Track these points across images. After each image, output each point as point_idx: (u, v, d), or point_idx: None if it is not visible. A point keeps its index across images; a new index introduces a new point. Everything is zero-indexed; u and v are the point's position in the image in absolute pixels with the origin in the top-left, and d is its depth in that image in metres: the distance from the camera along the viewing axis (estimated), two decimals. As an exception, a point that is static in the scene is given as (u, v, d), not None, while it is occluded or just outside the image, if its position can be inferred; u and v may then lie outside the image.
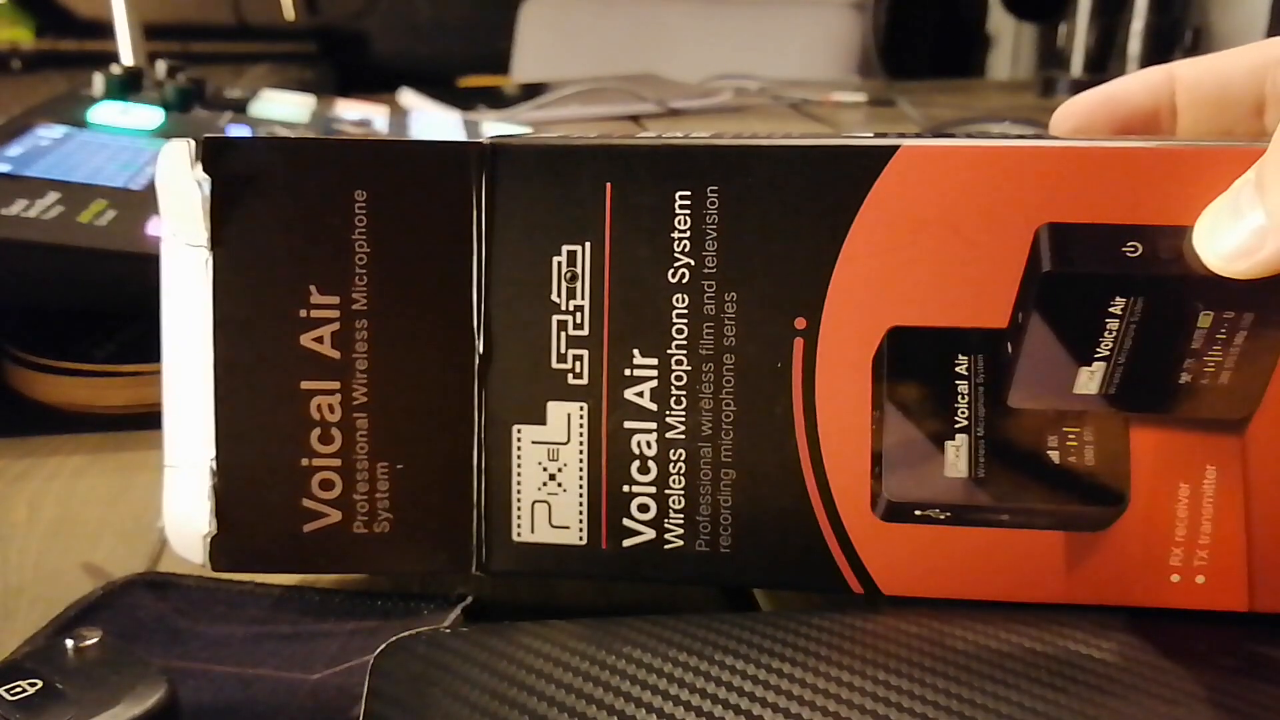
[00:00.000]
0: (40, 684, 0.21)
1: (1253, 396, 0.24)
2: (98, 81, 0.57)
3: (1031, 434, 0.25)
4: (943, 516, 0.25)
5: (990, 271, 0.24)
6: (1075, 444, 0.25)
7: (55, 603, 0.27)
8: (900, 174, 0.24)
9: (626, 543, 0.26)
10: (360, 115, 0.60)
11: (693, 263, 0.25)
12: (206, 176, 0.25)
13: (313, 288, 0.25)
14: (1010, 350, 0.24)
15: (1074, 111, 0.29)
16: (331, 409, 0.26)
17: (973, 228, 0.24)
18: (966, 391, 0.25)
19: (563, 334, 0.25)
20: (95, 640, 0.22)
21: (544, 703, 0.22)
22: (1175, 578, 0.25)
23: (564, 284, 0.25)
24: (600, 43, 1.66)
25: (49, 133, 0.48)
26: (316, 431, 0.26)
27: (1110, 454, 0.25)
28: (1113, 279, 0.24)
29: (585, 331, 0.25)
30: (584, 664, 0.23)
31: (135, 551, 0.31)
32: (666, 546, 0.26)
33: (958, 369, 0.25)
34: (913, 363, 0.25)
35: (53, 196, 0.39)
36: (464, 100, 0.99)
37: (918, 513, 0.25)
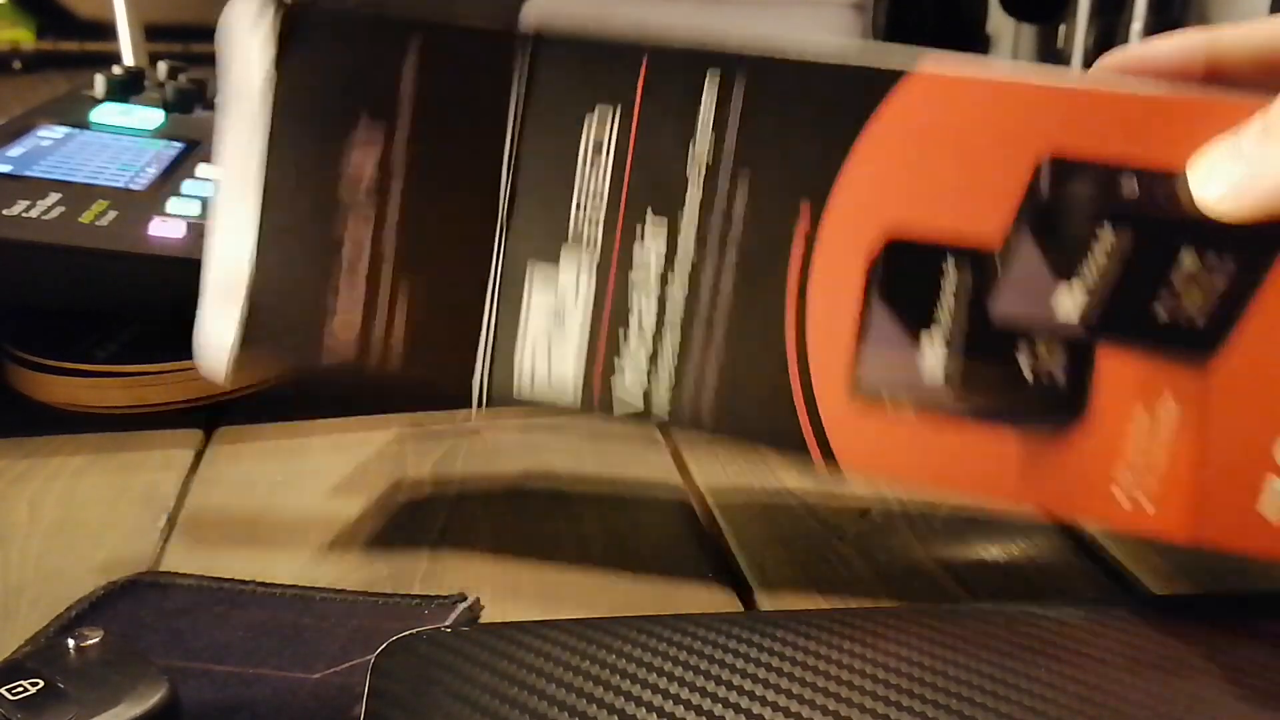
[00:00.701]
0: (42, 683, 0.21)
1: (1220, 339, 0.25)
2: (99, 82, 0.57)
3: (1005, 341, 0.26)
4: (910, 404, 0.26)
5: (991, 194, 0.25)
6: (1043, 356, 0.26)
7: (57, 602, 0.27)
8: (917, 93, 0.25)
9: (616, 389, 0.27)
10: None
11: (714, 139, 0.26)
12: (274, 6, 0.27)
13: (363, 115, 0.27)
14: (999, 268, 0.26)
15: (1108, 65, 0.29)
16: (365, 231, 0.28)
17: (978, 152, 0.25)
18: (953, 297, 0.26)
19: (585, 186, 0.27)
20: (97, 640, 0.22)
21: (544, 702, 0.22)
22: (1124, 500, 0.26)
23: (591, 140, 0.27)
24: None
25: (50, 133, 0.48)
26: (348, 249, 0.28)
27: (1074, 370, 0.26)
28: (1106, 211, 0.25)
29: (606, 188, 0.27)
30: (584, 664, 0.23)
31: (136, 551, 0.31)
32: (654, 397, 0.27)
33: (946, 279, 0.26)
34: (907, 268, 0.26)
35: (54, 197, 0.39)
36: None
37: (887, 397, 0.26)
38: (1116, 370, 0.26)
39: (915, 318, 0.26)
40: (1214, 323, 0.25)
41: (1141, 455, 0.26)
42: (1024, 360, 0.26)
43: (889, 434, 0.27)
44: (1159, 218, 0.25)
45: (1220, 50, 0.29)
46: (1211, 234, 0.25)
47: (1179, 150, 0.25)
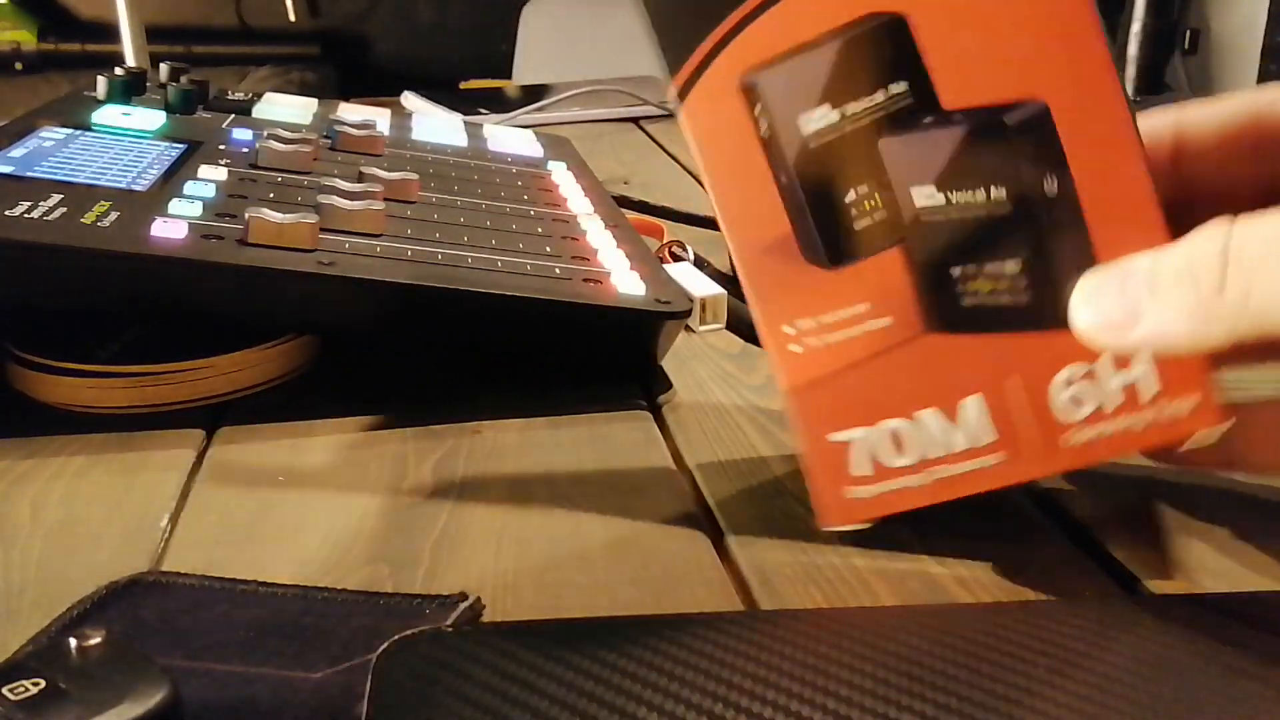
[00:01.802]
0: (43, 683, 0.21)
1: (967, 330, 0.28)
2: (100, 83, 0.57)
3: (859, 170, 0.28)
4: (763, 129, 0.28)
5: (982, 68, 0.27)
6: (866, 207, 0.28)
7: (58, 602, 0.27)
8: None
9: None
10: (363, 118, 0.60)
11: None
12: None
13: None
14: (923, 122, 0.27)
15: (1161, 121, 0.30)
16: None
17: (1004, 33, 0.27)
18: (878, 103, 0.28)
19: None
20: (98, 640, 0.22)
21: (545, 701, 0.22)
22: (795, 347, 0.29)
23: None
24: (600, 45, 1.66)
25: (52, 134, 0.48)
26: None
27: (871, 238, 0.28)
28: (1016, 179, 0.27)
29: None
30: (585, 663, 0.23)
31: (138, 551, 0.31)
32: None
33: (892, 87, 0.27)
34: (881, 42, 0.27)
35: (56, 198, 0.39)
36: (465, 102, 0.99)
37: (757, 107, 0.28)
38: (889, 267, 0.28)
39: (841, 79, 0.28)
40: (974, 316, 0.28)
41: (836, 323, 0.29)
42: (855, 192, 0.28)
43: (734, 127, 0.28)
44: (1036, 222, 0.27)
45: (1185, 128, 0.29)
46: (1040, 270, 0.27)
47: (1097, 190, 0.27)
